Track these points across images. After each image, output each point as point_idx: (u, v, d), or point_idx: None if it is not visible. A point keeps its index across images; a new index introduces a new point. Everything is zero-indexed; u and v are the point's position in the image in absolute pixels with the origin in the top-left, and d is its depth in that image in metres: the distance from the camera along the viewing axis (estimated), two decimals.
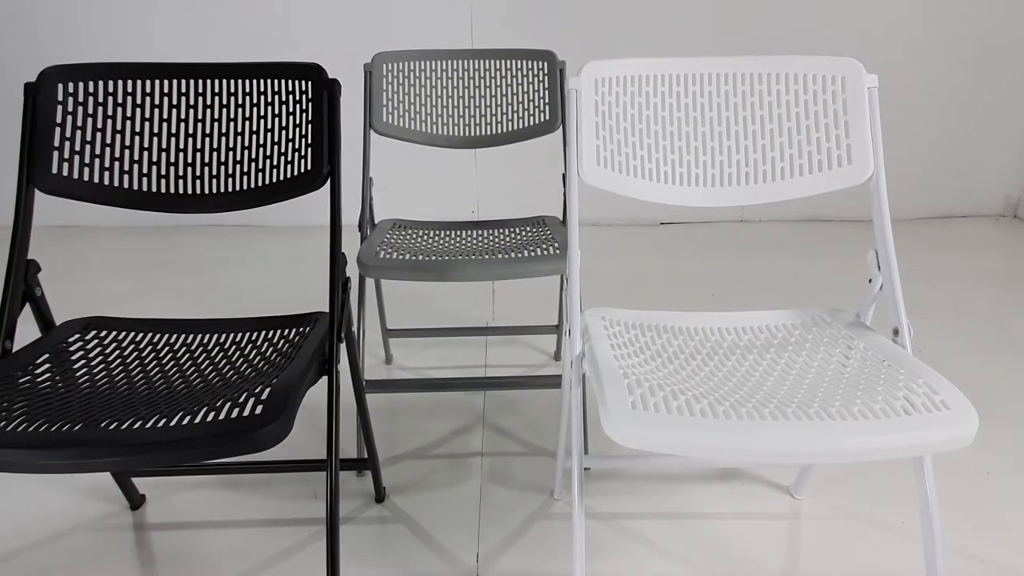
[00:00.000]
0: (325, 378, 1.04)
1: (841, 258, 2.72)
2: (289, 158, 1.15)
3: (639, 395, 0.87)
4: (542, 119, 1.70)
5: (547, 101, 1.70)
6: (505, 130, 1.73)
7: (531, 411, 1.71)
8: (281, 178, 1.16)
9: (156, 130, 1.17)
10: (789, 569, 1.22)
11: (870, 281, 1.08)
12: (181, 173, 1.17)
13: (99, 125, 1.15)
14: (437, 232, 1.67)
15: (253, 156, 1.17)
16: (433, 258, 1.41)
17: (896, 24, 2.95)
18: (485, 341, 2.07)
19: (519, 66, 1.72)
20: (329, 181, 1.12)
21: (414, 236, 1.63)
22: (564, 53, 1.71)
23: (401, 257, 1.42)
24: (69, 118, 1.13)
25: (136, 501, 1.37)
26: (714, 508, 1.37)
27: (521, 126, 1.72)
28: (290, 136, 1.16)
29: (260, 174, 1.16)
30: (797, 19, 2.93)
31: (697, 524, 1.33)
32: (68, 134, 1.13)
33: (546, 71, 1.70)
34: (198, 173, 1.17)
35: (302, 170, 1.14)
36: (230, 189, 1.17)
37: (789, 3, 2.91)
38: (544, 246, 1.47)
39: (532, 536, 1.30)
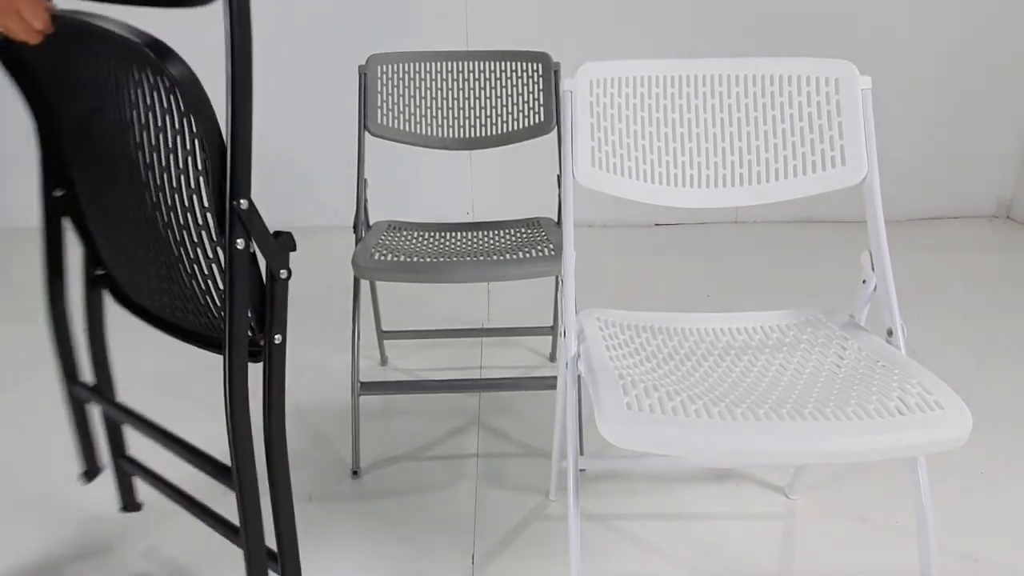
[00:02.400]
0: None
1: (835, 259, 2.73)
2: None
3: (634, 396, 0.87)
4: (537, 121, 1.70)
5: (542, 103, 1.70)
6: (500, 131, 1.73)
7: (526, 412, 1.71)
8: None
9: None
10: (784, 569, 1.23)
11: (864, 282, 1.08)
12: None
13: None
14: (432, 233, 1.67)
15: None
16: (428, 260, 1.41)
17: (889, 26, 2.96)
18: (480, 343, 2.07)
19: (514, 68, 1.72)
20: None
21: (409, 238, 1.62)
22: (559, 55, 1.71)
23: (396, 259, 1.42)
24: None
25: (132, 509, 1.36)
26: (709, 509, 1.37)
27: (516, 128, 1.72)
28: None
29: None
30: (791, 21, 2.93)
31: (692, 525, 1.33)
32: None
33: (541, 73, 1.70)
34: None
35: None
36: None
37: (783, 5, 2.92)
38: (539, 247, 1.47)
39: (528, 537, 1.30)
